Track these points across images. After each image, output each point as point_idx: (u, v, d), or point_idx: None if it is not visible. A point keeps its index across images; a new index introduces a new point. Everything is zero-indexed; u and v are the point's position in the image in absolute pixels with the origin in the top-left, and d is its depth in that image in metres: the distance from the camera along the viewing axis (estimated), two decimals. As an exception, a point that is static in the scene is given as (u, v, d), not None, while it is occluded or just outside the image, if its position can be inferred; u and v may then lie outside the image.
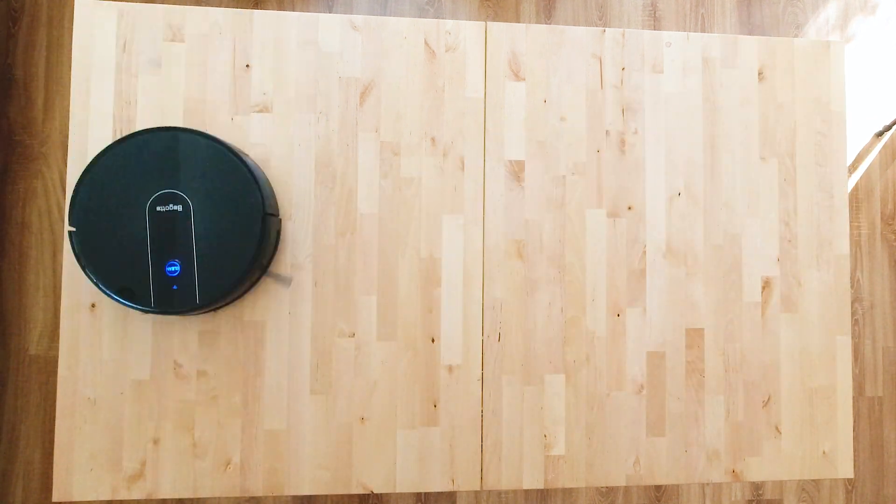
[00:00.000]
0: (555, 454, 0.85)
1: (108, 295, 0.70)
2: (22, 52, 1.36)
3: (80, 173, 0.79)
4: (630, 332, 0.88)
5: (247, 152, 0.84)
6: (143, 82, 0.83)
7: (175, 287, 0.70)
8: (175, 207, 0.71)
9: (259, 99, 0.84)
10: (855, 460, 1.49)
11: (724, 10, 1.54)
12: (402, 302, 0.85)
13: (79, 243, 0.70)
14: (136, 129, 0.82)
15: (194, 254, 0.71)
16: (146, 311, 0.71)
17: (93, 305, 0.80)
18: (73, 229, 0.70)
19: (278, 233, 0.80)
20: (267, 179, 0.79)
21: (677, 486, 1.43)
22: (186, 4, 1.39)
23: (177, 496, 0.80)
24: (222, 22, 0.84)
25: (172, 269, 0.70)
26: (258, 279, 0.80)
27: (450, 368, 0.85)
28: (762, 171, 0.91)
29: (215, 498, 1.33)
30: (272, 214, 0.76)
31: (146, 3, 1.35)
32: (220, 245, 0.71)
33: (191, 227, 0.71)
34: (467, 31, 0.88)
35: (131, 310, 0.80)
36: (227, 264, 0.71)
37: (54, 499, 0.78)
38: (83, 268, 0.70)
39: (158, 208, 0.71)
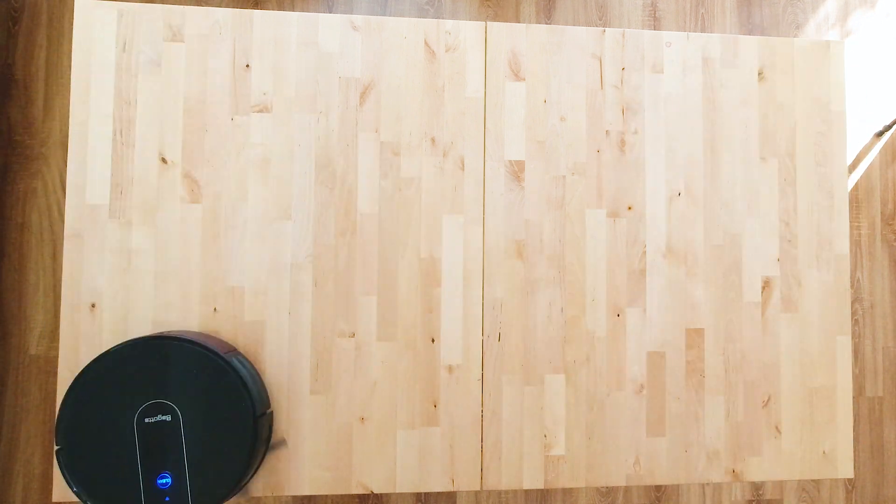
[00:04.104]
0: (555, 454, 0.85)
1: None
2: (22, 52, 1.36)
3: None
4: (630, 332, 0.88)
5: (246, 153, 0.83)
6: (143, 82, 0.83)
7: (167, 499, 0.68)
8: (164, 417, 0.69)
9: (259, 99, 0.84)
10: (855, 460, 1.49)
11: (724, 10, 1.54)
12: (402, 302, 0.85)
13: (66, 461, 0.68)
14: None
15: (185, 463, 0.69)
16: None
17: (93, 305, 0.80)
18: (60, 447, 0.68)
19: (270, 426, 0.79)
20: (257, 374, 0.78)
21: (677, 486, 1.43)
22: (186, 4, 1.39)
23: (177, 496, 0.80)
24: (222, 22, 0.84)
25: (164, 481, 0.68)
26: (261, 461, 0.78)
27: (450, 368, 0.85)
28: (762, 171, 0.91)
29: (215, 498, 1.33)
30: (262, 415, 0.74)
31: (146, 3, 1.35)
32: (212, 451, 0.69)
33: (181, 436, 0.69)
34: (467, 31, 0.88)
35: (132, 310, 0.80)
36: (220, 470, 0.70)
37: (54, 499, 0.78)
38: (70, 485, 0.67)
39: (146, 420, 0.69)
